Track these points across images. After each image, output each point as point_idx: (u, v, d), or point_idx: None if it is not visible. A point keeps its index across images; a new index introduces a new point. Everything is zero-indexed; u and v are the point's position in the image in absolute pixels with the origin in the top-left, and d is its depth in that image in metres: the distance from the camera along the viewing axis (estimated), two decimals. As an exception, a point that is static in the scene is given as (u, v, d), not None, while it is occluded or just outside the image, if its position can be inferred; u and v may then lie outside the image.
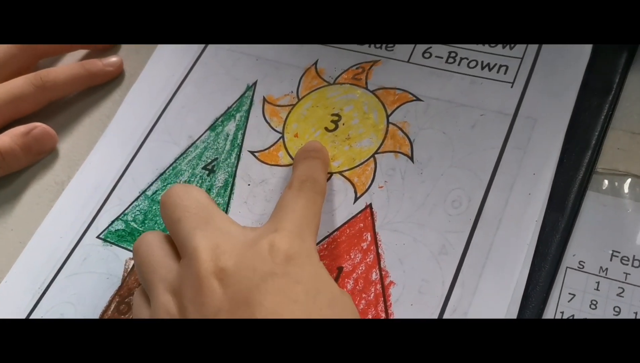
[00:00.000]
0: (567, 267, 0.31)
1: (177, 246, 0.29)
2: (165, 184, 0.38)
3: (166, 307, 0.27)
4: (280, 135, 0.38)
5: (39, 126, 0.41)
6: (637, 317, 0.29)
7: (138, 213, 0.37)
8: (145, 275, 0.29)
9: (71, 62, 0.45)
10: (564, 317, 0.30)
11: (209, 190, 0.37)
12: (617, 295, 0.30)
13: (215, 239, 0.28)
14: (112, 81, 0.44)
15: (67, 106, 0.44)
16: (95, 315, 0.34)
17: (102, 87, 0.44)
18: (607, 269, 0.31)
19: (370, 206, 0.34)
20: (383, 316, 0.31)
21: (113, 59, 0.43)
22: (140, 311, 0.29)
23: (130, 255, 0.36)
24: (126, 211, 0.37)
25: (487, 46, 0.38)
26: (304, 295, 0.26)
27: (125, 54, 0.45)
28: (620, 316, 0.29)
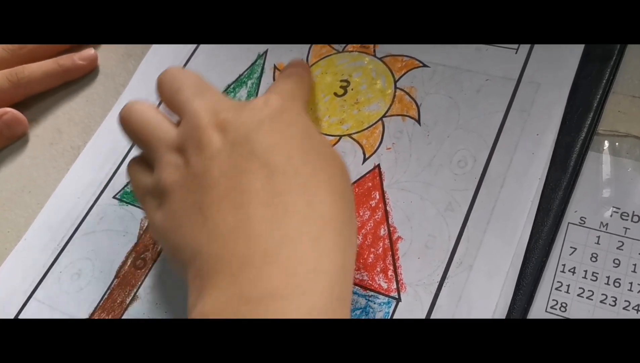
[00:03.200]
0: (569, 223, 0.32)
1: (176, 113, 0.31)
2: (178, 147, 0.39)
3: (173, 163, 0.28)
4: (291, 100, 0.39)
5: (9, 112, 0.42)
6: (636, 270, 0.30)
7: (153, 174, 0.38)
8: (144, 137, 0.31)
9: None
10: (565, 269, 0.31)
11: (221, 153, 0.38)
12: (617, 248, 0.31)
13: (214, 103, 0.29)
14: (125, 52, 0.45)
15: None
16: (112, 270, 0.35)
17: (116, 58, 0.45)
18: (607, 224, 0.32)
19: (378, 166, 0.35)
20: (391, 268, 0.32)
21: (87, 52, 0.44)
22: (140, 178, 0.31)
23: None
24: (141, 173, 0.38)
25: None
26: (300, 134, 0.28)
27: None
28: (619, 268, 0.31)
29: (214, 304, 0.24)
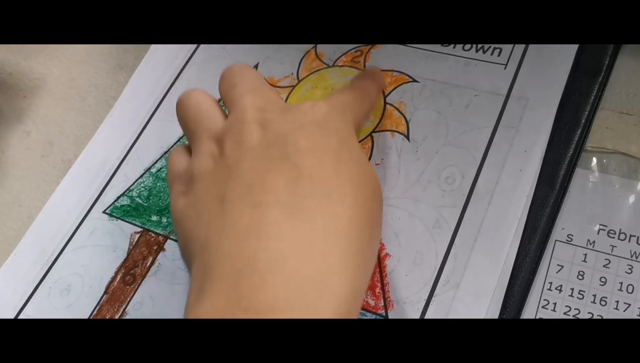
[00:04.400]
0: (556, 240, 0.32)
1: (228, 107, 0.31)
2: (169, 161, 0.39)
3: (209, 152, 0.29)
4: (281, 115, 0.39)
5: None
6: (622, 288, 0.31)
7: (143, 189, 0.38)
8: (192, 125, 0.31)
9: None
10: (552, 287, 0.31)
11: (211, 167, 0.38)
12: (604, 266, 0.31)
13: (265, 102, 0.29)
14: (117, 64, 0.45)
15: (73, 85, 0.45)
16: (102, 286, 0.35)
17: (107, 70, 0.45)
18: (594, 242, 0.32)
19: (367, 182, 0.35)
20: (379, 286, 0.32)
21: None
22: (176, 162, 0.31)
23: (135, 229, 0.37)
24: (131, 188, 0.38)
25: (482, 29, 0.39)
26: (338, 143, 0.27)
27: (130, 37, 0.46)
28: (606, 286, 0.31)
29: (210, 309, 0.23)
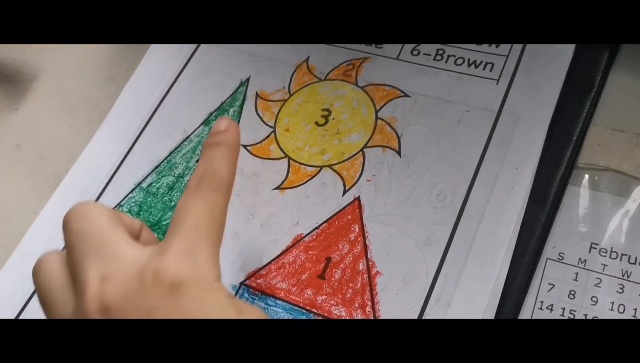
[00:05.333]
0: (547, 258, 0.32)
1: (72, 275, 0.25)
2: (160, 176, 0.39)
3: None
4: (272, 129, 0.39)
5: None
6: (613, 308, 0.30)
7: (133, 204, 0.38)
8: (44, 308, 0.26)
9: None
10: (543, 307, 0.31)
11: (202, 183, 0.38)
12: (595, 285, 0.31)
13: (105, 268, 0.24)
14: (108, 77, 0.45)
15: (65, 98, 0.45)
16: (91, 303, 0.35)
17: (99, 83, 0.45)
18: (585, 260, 0.32)
19: (358, 198, 0.35)
20: (369, 304, 0.32)
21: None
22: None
23: (126, 245, 0.37)
24: (122, 203, 0.38)
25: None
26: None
27: (121, 50, 0.46)
28: (597, 306, 0.30)
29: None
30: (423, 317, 0.31)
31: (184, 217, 0.26)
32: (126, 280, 0.24)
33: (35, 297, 0.36)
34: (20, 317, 0.36)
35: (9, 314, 0.36)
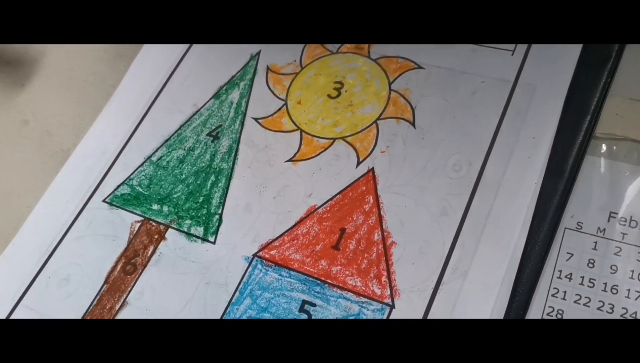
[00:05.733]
0: (565, 228, 0.32)
1: None
2: (170, 150, 0.38)
3: None
4: (284, 102, 0.38)
5: None
6: (633, 276, 0.30)
7: (143, 177, 0.38)
8: None
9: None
10: (562, 276, 0.31)
11: (213, 155, 0.37)
12: (615, 254, 0.31)
13: None
14: (116, 53, 0.44)
15: (72, 75, 0.44)
16: (102, 276, 0.35)
17: (106, 59, 0.44)
18: (604, 229, 0.31)
19: (372, 170, 0.35)
20: (385, 274, 0.32)
21: None
22: None
23: (135, 218, 0.36)
24: (131, 176, 0.38)
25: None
26: None
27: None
28: (617, 275, 0.30)
29: None
30: (440, 286, 0.31)
31: None
32: None
33: (42, 273, 0.35)
34: (30, 288, 0.35)
35: (18, 287, 0.35)
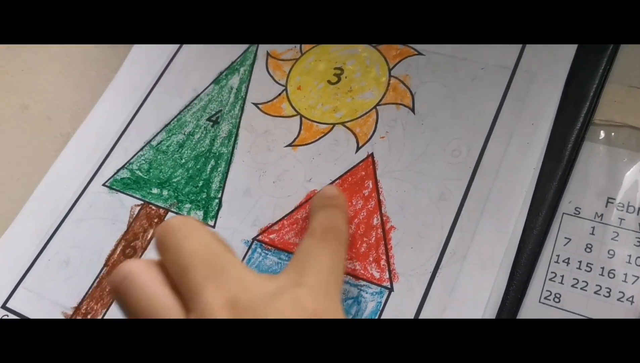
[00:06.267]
0: (563, 213, 0.32)
1: (183, 295, 0.24)
2: (169, 135, 0.38)
3: None
4: (284, 88, 0.38)
5: None
6: (630, 261, 0.30)
7: (143, 162, 0.38)
8: (135, 316, 0.24)
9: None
10: (559, 260, 0.31)
11: (213, 140, 0.37)
12: (612, 239, 0.31)
13: (231, 292, 0.23)
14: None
15: (72, 60, 0.44)
16: (101, 259, 0.35)
17: (107, 43, 0.44)
18: (602, 215, 0.31)
19: (371, 155, 0.35)
20: (384, 258, 0.32)
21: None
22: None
23: (135, 202, 0.36)
24: (131, 161, 0.38)
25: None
26: None
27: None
28: (614, 259, 0.30)
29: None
30: (438, 270, 0.31)
31: (317, 260, 0.27)
32: (258, 304, 0.23)
33: (42, 256, 0.36)
34: (30, 270, 0.35)
35: (18, 270, 0.35)
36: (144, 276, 0.24)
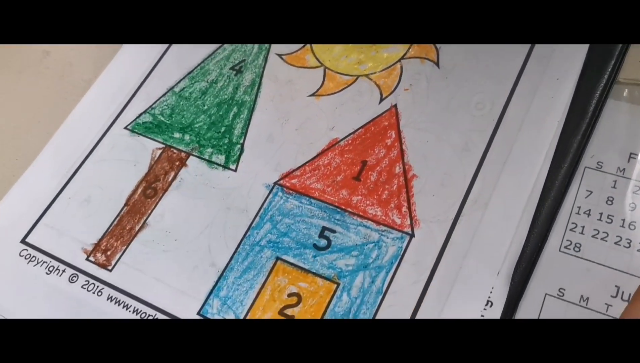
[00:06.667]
0: (585, 167, 0.32)
1: None
2: (192, 82, 0.38)
3: None
4: (308, 40, 0.39)
5: None
6: (651, 215, 0.30)
7: (165, 107, 0.38)
8: None
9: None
10: (580, 212, 0.31)
11: (236, 88, 0.38)
12: (634, 192, 0.31)
13: None
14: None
15: (95, 9, 0.44)
16: (122, 199, 0.35)
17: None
18: (624, 169, 0.32)
19: (395, 106, 0.35)
20: (405, 205, 0.32)
21: None
22: None
23: (157, 145, 0.36)
24: (154, 106, 0.38)
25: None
26: None
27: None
28: (635, 211, 0.30)
29: None
30: (460, 217, 0.31)
31: None
32: None
33: (63, 194, 0.36)
34: (51, 207, 0.35)
35: (38, 207, 0.35)
36: None
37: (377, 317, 0.29)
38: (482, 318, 0.29)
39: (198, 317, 0.31)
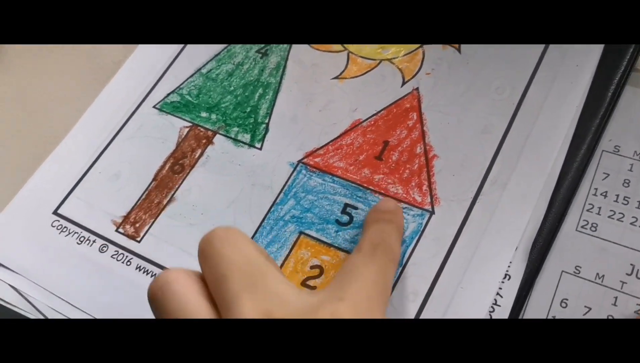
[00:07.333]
0: (603, 150, 0.33)
1: (218, 306, 0.24)
2: (219, 64, 0.39)
3: None
4: (333, 25, 0.40)
5: None
6: (667, 198, 0.31)
7: (193, 87, 0.39)
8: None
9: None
10: (597, 193, 0.32)
11: (261, 70, 0.39)
12: (650, 175, 0.32)
13: (267, 304, 0.23)
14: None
15: (124, -7, 0.45)
16: (150, 174, 0.36)
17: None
18: (641, 153, 0.32)
19: (417, 89, 0.36)
20: (426, 184, 0.33)
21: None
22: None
23: (184, 123, 0.38)
24: (181, 86, 0.39)
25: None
26: None
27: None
28: (651, 194, 0.31)
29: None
30: (479, 196, 0.32)
31: (361, 275, 0.25)
32: (291, 310, 0.23)
33: (93, 169, 0.37)
34: (81, 181, 0.36)
35: (69, 180, 0.36)
36: (181, 285, 0.24)
37: (396, 287, 0.30)
38: (489, 318, 0.29)
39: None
